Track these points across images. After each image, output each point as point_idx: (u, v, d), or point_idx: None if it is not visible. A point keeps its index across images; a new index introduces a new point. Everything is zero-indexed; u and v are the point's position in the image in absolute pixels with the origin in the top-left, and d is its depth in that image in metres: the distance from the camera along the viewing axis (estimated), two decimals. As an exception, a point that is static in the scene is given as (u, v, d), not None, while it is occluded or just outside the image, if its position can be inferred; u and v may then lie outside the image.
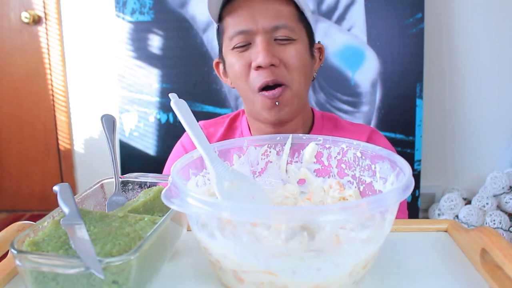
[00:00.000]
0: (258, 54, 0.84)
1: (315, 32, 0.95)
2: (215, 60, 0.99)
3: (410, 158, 2.05)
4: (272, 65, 0.84)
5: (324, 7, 2.01)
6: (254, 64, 0.85)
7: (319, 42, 0.97)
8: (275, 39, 0.85)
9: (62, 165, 2.49)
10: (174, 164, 0.54)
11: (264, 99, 0.86)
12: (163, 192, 0.47)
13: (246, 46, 0.86)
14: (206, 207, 0.43)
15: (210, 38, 2.08)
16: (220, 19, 0.91)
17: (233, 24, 0.87)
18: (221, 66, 0.97)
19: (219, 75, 0.99)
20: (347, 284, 0.48)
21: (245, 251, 0.45)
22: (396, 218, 0.86)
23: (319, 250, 0.44)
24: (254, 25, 0.84)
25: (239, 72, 0.87)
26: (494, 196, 2.04)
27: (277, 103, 0.86)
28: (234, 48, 0.87)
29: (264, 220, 0.44)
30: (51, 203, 2.51)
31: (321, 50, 0.97)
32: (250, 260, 0.45)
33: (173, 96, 0.64)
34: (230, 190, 0.55)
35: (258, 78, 0.85)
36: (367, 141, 0.75)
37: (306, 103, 0.96)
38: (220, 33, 0.92)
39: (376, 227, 0.48)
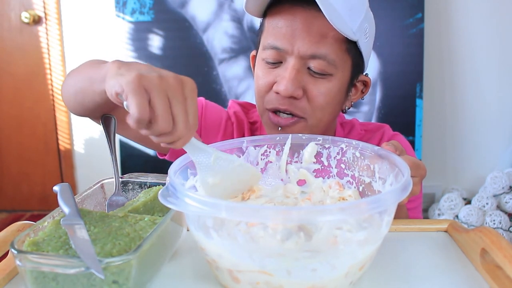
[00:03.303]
0: (282, 80, 0.75)
1: (367, 62, 0.83)
2: (252, 53, 0.90)
3: (410, 158, 2.05)
4: (293, 97, 0.76)
5: (324, 7, 2.01)
6: (275, 88, 0.77)
7: (366, 74, 0.85)
8: (309, 67, 0.75)
9: (62, 165, 2.49)
10: (173, 164, 0.54)
11: (268, 120, 0.80)
12: (160, 191, 0.47)
13: (276, 63, 0.78)
14: (203, 207, 0.43)
15: (210, 38, 2.09)
16: (265, 14, 0.81)
17: (270, 33, 0.77)
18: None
19: (252, 70, 0.89)
20: (344, 285, 0.48)
21: (240, 251, 0.45)
22: (411, 217, 0.86)
23: (314, 251, 0.45)
24: (290, 46, 0.74)
25: (261, 88, 0.80)
26: (494, 196, 2.04)
27: (279, 128, 0.79)
28: (264, 60, 0.79)
29: (261, 220, 0.44)
30: (51, 203, 2.51)
31: (366, 83, 0.86)
32: (245, 260, 0.45)
33: None
34: (214, 185, 0.55)
35: (272, 101, 0.78)
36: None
37: (332, 125, 0.89)
38: (260, 30, 0.83)
39: (373, 228, 0.48)
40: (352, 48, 0.76)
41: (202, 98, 0.95)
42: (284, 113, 0.78)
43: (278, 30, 0.76)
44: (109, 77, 0.48)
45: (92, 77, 0.61)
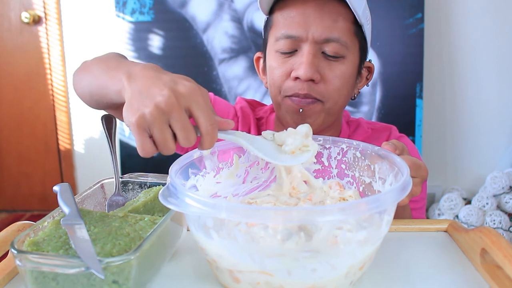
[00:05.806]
0: (301, 65, 0.77)
1: (369, 49, 0.87)
2: (256, 54, 0.92)
3: (410, 158, 2.05)
4: (312, 80, 0.77)
5: (324, 7, 2.01)
6: (293, 74, 0.78)
7: (370, 60, 0.89)
8: (323, 52, 0.78)
9: (62, 165, 2.49)
10: (173, 164, 0.54)
11: (290, 103, 0.80)
12: (160, 191, 0.47)
13: (291, 53, 0.79)
14: (203, 207, 0.43)
15: (210, 38, 2.09)
16: (271, 11, 0.83)
17: (282, 24, 0.79)
18: (261, 62, 0.90)
19: (258, 71, 0.92)
20: (344, 285, 0.48)
21: (240, 251, 0.45)
22: (415, 217, 0.86)
23: (314, 251, 0.45)
24: (304, 32, 0.77)
25: (277, 79, 0.81)
26: (494, 196, 2.04)
27: (301, 110, 0.80)
28: (278, 51, 0.81)
29: (261, 221, 0.44)
30: (51, 203, 2.51)
31: (370, 69, 0.89)
32: (246, 260, 0.45)
33: None
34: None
35: (291, 88, 0.79)
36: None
37: (339, 119, 0.91)
38: (267, 27, 0.85)
39: (373, 228, 0.48)
40: (358, 31, 0.80)
41: (211, 94, 0.96)
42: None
43: (291, 20, 0.78)
44: (124, 107, 0.53)
45: (106, 86, 0.64)
